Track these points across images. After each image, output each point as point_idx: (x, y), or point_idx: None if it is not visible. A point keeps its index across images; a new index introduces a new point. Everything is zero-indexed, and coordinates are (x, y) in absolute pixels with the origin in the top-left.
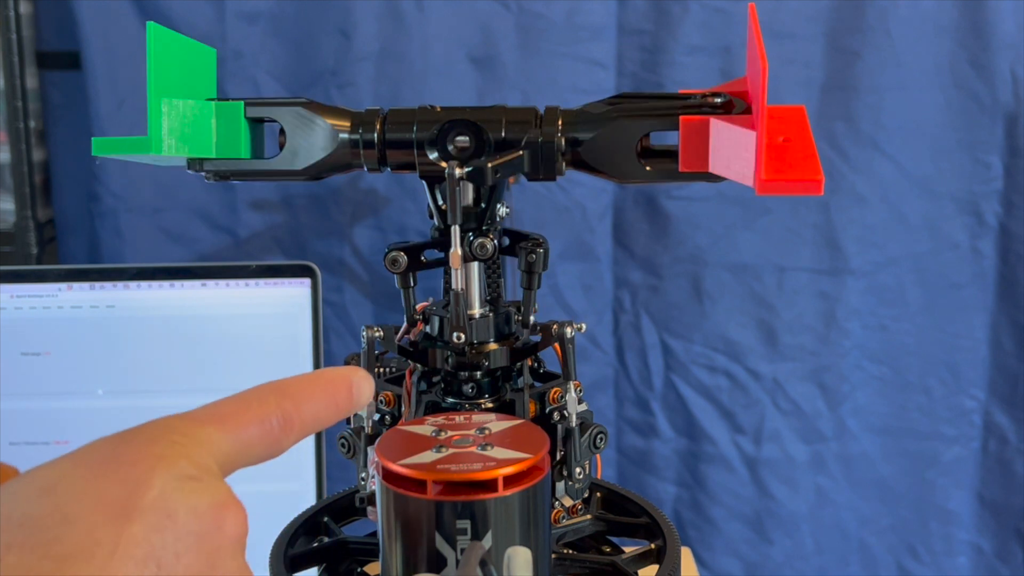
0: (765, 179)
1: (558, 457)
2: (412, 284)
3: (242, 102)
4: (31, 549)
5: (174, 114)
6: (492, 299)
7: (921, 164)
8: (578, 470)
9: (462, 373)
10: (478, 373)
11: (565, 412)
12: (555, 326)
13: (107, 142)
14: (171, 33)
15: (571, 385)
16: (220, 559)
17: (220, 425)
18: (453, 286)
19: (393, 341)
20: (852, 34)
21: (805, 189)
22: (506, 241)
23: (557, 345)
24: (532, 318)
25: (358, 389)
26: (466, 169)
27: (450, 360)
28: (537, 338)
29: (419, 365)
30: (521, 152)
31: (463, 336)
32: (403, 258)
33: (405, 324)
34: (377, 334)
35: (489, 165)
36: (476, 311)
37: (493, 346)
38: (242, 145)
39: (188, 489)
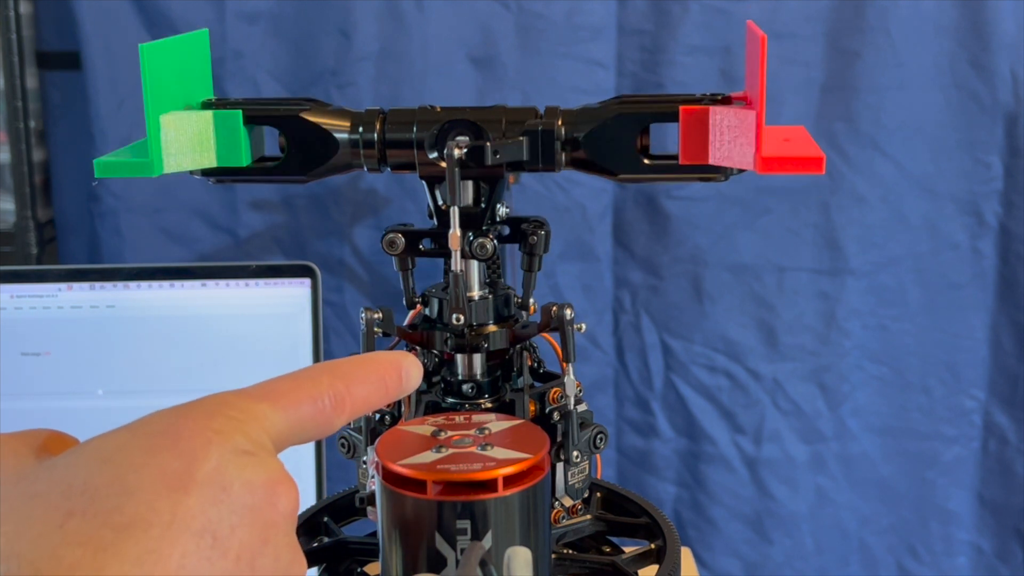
0: (766, 156)
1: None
2: (411, 266)
3: (240, 111)
4: (92, 516)
5: (173, 131)
6: (491, 281)
7: (921, 164)
8: (576, 453)
9: (462, 374)
10: (478, 373)
11: (564, 397)
12: (554, 308)
13: (109, 164)
14: (162, 44)
15: (569, 367)
16: (273, 533)
17: (274, 403)
18: (452, 268)
19: (392, 323)
20: (852, 34)
21: (806, 166)
22: (506, 231)
23: (554, 341)
24: (532, 300)
25: (407, 374)
26: (465, 150)
27: (449, 342)
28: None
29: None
30: (522, 138)
31: (462, 318)
32: (401, 239)
33: (416, 310)
34: (376, 316)
35: (488, 144)
36: (475, 293)
37: (492, 328)
38: (242, 152)
39: (243, 464)
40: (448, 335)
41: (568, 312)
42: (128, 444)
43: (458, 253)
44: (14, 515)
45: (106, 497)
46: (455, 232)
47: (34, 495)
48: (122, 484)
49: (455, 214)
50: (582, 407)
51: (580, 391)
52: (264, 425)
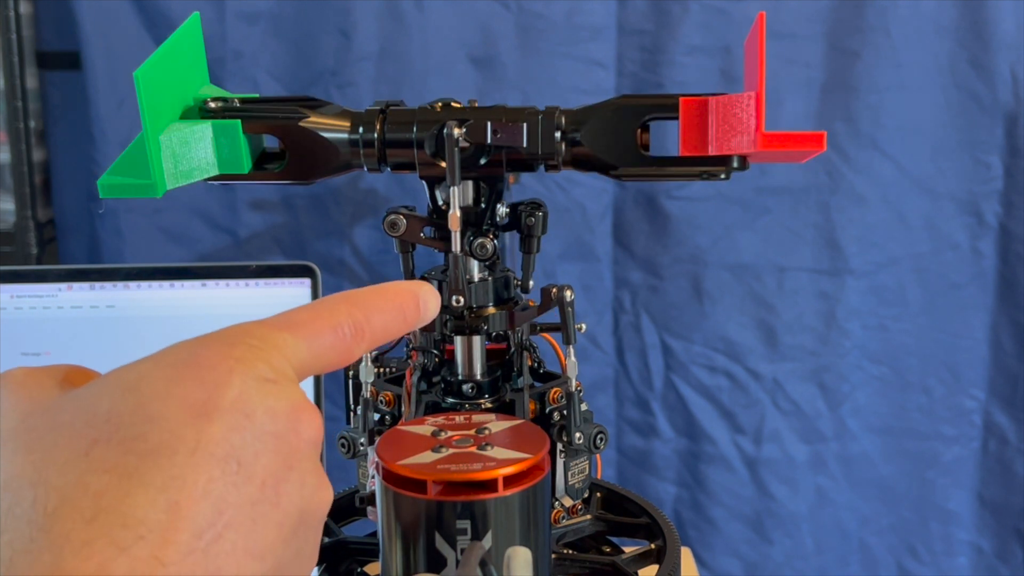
0: (766, 133)
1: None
2: (411, 249)
3: (239, 122)
4: (117, 444)
5: (173, 149)
6: (490, 264)
7: (921, 164)
8: (578, 435)
9: (462, 374)
10: (478, 372)
11: (565, 379)
12: (554, 289)
13: (113, 186)
14: (155, 61)
15: (571, 349)
16: (296, 459)
17: (295, 332)
18: (452, 249)
19: None
20: (852, 34)
21: (805, 142)
22: (505, 220)
23: (554, 341)
24: (531, 282)
25: (424, 302)
26: (464, 130)
27: (449, 324)
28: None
29: (418, 364)
30: (522, 124)
31: (462, 300)
32: (403, 221)
33: None
34: None
35: (488, 122)
36: (475, 275)
37: (492, 310)
38: (243, 159)
39: (266, 391)
40: (448, 317)
41: (568, 293)
42: (151, 373)
43: (457, 234)
44: (40, 444)
45: (130, 425)
46: (455, 213)
47: (59, 424)
48: (146, 412)
49: (455, 194)
50: (582, 407)
51: (580, 391)
52: (286, 354)
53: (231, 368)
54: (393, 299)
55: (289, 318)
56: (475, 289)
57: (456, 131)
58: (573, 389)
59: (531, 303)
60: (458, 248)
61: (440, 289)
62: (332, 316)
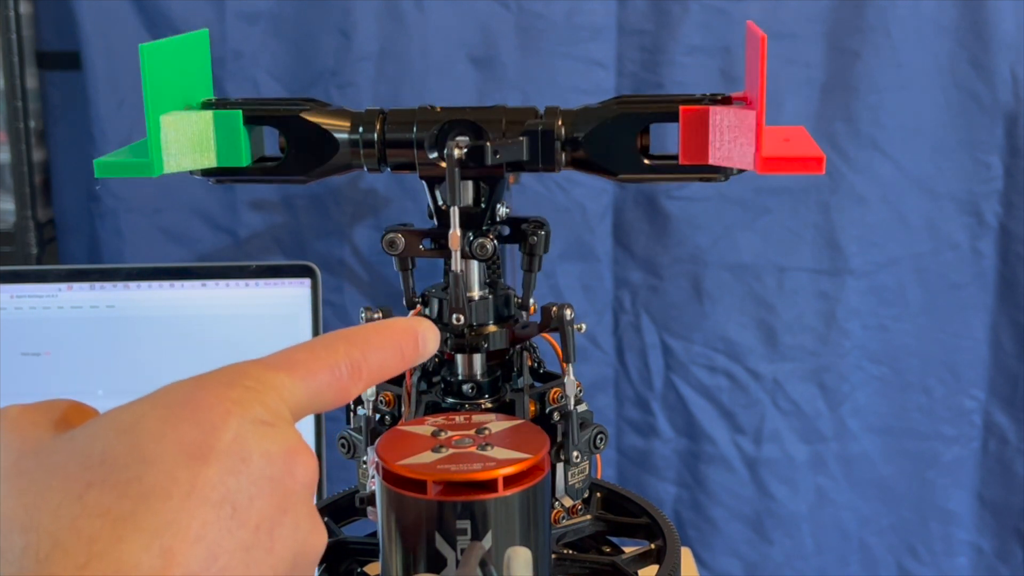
0: (766, 156)
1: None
2: (411, 267)
3: (240, 111)
4: (111, 487)
5: (174, 131)
6: (491, 282)
7: (921, 164)
8: (576, 454)
9: (462, 374)
10: (478, 372)
11: (564, 397)
12: (554, 308)
13: (109, 165)
14: (162, 44)
15: (570, 368)
16: (291, 503)
17: (292, 372)
18: (452, 268)
19: None
20: (852, 34)
21: (806, 166)
22: (506, 231)
23: (554, 341)
24: (532, 300)
25: (423, 339)
26: (465, 150)
27: (449, 342)
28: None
29: (418, 366)
30: (522, 138)
31: (462, 318)
32: (401, 239)
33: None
34: (376, 316)
35: (488, 144)
36: (475, 293)
37: (492, 328)
38: (242, 152)
39: (262, 434)
40: (448, 335)
41: (568, 312)
42: (147, 414)
43: (458, 253)
44: (34, 487)
45: (125, 467)
46: (455, 232)
47: (53, 466)
48: (141, 454)
49: (455, 214)
50: (582, 407)
51: (580, 391)
52: (282, 395)
53: (228, 410)
54: (391, 336)
55: (286, 357)
56: (475, 307)
57: (457, 151)
58: (572, 407)
59: (532, 308)
60: (458, 267)
61: (440, 307)
62: (329, 355)
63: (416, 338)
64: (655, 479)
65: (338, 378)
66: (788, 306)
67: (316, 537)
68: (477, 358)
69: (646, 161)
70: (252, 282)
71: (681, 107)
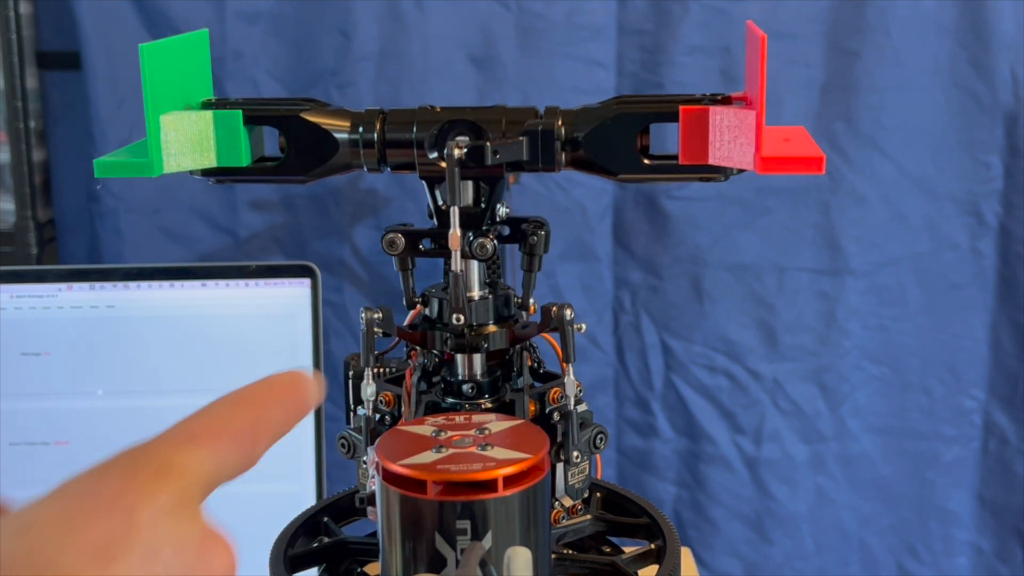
0: (766, 156)
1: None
2: (411, 267)
3: (240, 111)
4: None
5: (174, 131)
6: (491, 282)
7: (921, 164)
8: (576, 454)
9: (462, 374)
10: (478, 372)
11: (564, 397)
12: (554, 308)
13: (109, 164)
14: (162, 44)
15: (570, 368)
16: None
17: (196, 445)
18: (452, 268)
19: (392, 323)
20: (852, 34)
21: (806, 166)
22: (506, 231)
23: (554, 341)
24: (532, 300)
25: (308, 390)
26: (465, 150)
27: (449, 342)
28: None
29: (418, 364)
30: (522, 138)
31: (462, 318)
32: (401, 239)
33: (416, 310)
34: (376, 316)
35: (488, 144)
36: (475, 293)
37: (492, 328)
38: (242, 152)
39: (172, 524)
40: (448, 335)
41: (568, 312)
42: (48, 512)
43: (458, 253)
44: None
45: (28, 571)
46: (455, 232)
47: None
48: (43, 556)
49: (455, 214)
50: (582, 407)
51: (580, 391)
52: (190, 473)
53: (134, 503)
54: (282, 392)
55: (187, 429)
56: (475, 307)
57: (457, 151)
58: (572, 407)
59: (532, 308)
60: (458, 267)
61: (440, 307)
62: (230, 422)
63: (304, 390)
64: (655, 479)
65: (241, 444)
66: (788, 306)
67: None
68: (477, 358)
69: (646, 161)
70: (252, 282)
71: (681, 107)
